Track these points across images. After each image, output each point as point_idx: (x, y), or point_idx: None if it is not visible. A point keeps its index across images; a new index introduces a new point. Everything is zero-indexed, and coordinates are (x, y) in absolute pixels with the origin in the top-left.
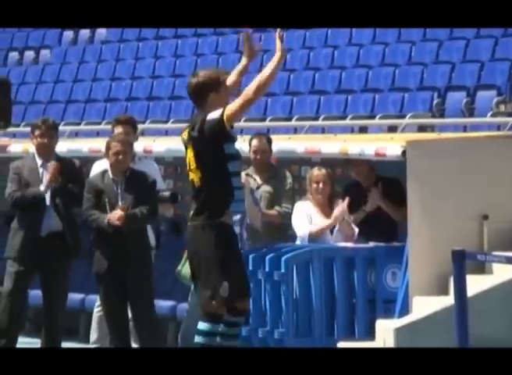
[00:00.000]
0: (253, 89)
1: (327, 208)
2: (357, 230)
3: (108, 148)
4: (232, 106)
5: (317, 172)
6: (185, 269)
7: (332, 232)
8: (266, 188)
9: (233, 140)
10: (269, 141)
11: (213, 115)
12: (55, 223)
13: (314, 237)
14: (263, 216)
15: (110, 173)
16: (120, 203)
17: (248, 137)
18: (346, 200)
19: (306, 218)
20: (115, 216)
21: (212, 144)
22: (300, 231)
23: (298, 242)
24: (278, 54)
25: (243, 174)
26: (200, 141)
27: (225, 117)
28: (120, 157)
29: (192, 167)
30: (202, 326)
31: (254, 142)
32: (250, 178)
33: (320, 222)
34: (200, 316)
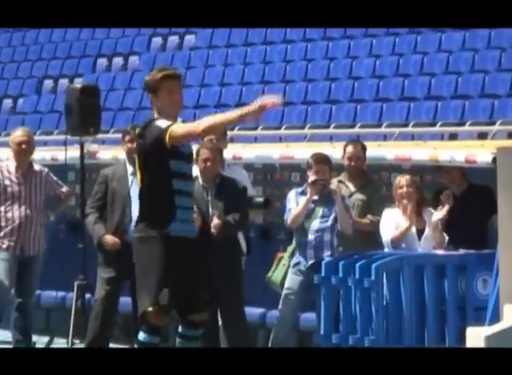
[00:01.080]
0: (204, 126)
1: (417, 215)
2: (447, 237)
3: (197, 154)
4: (179, 130)
5: (401, 179)
6: (275, 275)
7: (420, 238)
8: (359, 196)
9: (181, 157)
10: (364, 148)
11: (160, 124)
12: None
13: (395, 243)
14: (354, 224)
15: (200, 179)
16: (211, 210)
17: (338, 143)
18: (446, 207)
19: (392, 225)
20: (213, 224)
21: (153, 154)
22: (384, 238)
23: (386, 249)
24: (251, 108)
25: (334, 180)
26: (143, 144)
27: (167, 136)
28: (209, 164)
29: (137, 166)
30: (140, 335)
31: (350, 148)
32: (343, 185)
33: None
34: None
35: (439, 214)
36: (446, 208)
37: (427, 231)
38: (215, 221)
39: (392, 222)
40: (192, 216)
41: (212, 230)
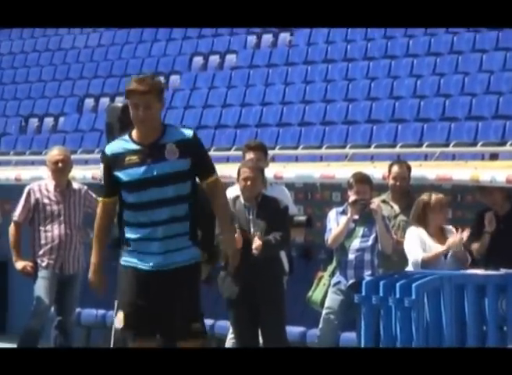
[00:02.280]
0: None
1: (440, 234)
2: (470, 257)
3: (238, 173)
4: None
5: (433, 198)
6: (315, 294)
7: (446, 257)
8: (403, 217)
9: (129, 186)
10: (409, 169)
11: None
12: None
13: (427, 264)
14: (397, 244)
15: (242, 198)
16: (252, 229)
17: (379, 163)
18: (466, 232)
19: (419, 244)
20: (254, 244)
21: None
22: (412, 257)
23: (411, 268)
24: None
25: (375, 200)
26: None
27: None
28: (249, 183)
29: None
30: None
31: (395, 169)
32: (387, 205)
33: (434, 248)
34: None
35: (462, 234)
36: (466, 232)
37: (451, 250)
38: (256, 241)
39: (419, 241)
40: (158, 246)
41: (254, 250)
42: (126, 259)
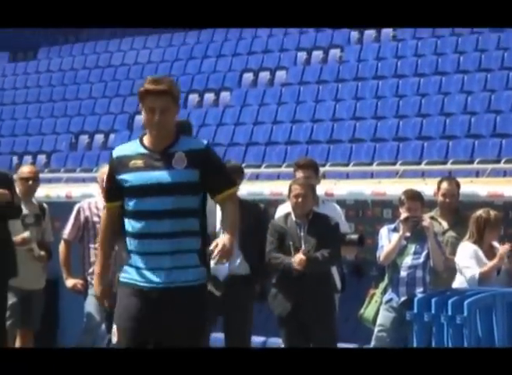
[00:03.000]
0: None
1: (491, 250)
2: None
3: (289, 190)
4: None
5: (487, 213)
6: (368, 312)
7: (498, 273)
8: (452, 234)
9: (135, 192)
10: (458, 186)
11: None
12: (239, 265)
13: (483, 279)
14: (447, 261)
15: (293, 215)
16: (303, 246)
17: (430, 180)
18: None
19: (475, 260)
20: (297, 259)
21: None
22: (469, 273)
23: (465, 284)
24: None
25: (426, 217)
26: None
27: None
28: (300, 200)
29: None
30: None
31: (445, 185)
32: (435, 221)
33: (488, 264)
34: None
35: (506, 247)
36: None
37: (504, 266)
38: (299, 257)
39: (475, 257)
40: (162, 262)
41: (297, 266)
42: (125, 275)
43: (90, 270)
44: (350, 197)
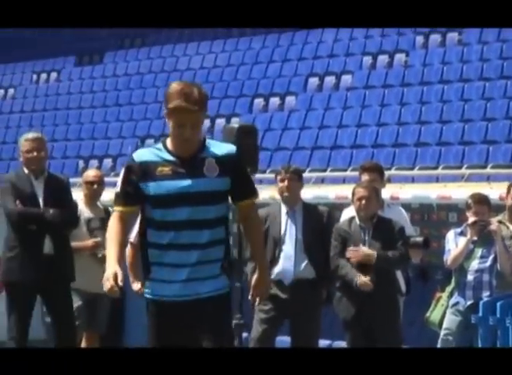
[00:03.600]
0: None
1: None
2: None
3: (353, 194)
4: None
5: None
6: (434, 315)
7: None
8: None
9: (161, 204)
10: None
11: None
12: (304, 269)
13: None
14: None
15: (357, 219)
16: None
17: (496, 184)
18: None
19: None
20: (361, 281)
21: None
22: None
23: None
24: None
25: (494, 221)
26: None
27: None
28: (363, 202)
29: None
30: None
31: None
32: (503, 225)
33: None
34: None
35: None
36: None
37: None
38: (364, 279)
39: None
40: (186, 273)
41: (360, 286)
42: (150, 291)
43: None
44: (416, 201)
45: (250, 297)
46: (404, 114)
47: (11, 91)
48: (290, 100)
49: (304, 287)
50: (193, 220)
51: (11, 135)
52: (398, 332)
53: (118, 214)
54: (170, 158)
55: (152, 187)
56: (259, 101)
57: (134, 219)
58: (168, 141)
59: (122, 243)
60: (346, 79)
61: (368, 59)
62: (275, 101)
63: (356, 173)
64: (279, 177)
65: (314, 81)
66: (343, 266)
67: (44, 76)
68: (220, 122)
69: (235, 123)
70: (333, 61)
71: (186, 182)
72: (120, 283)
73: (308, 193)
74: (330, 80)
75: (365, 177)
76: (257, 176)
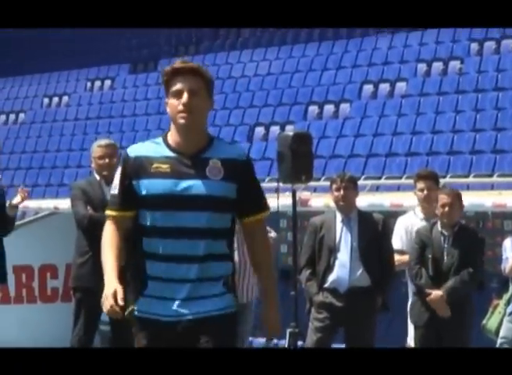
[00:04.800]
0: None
1: None
2: None
3: (427, 199)
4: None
5: None
6: (490, 323)
7: None
8: None
9: (155, 206)
10: None
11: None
12: (360, 277)
13: None
14: None
15: (439, 225)
16: (446, 257)
17: None
18: None
19: None
20: (433, 297)
21: None
22: None
23: None
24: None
25: None
26: None
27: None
28: (447, 209)
29: None
30: None
31: None
32: None
33: None
34: None
35: None
36: None
37: None
38: (437, 294)
39: None
40: (186, 291)
41: (431, 302)
42: (141, 308)
43: None
44: (471, 208)
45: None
46: (459, 121)
47: (65, 98)
48: (345, 107)
49: (359, 295)
50: (192, 228)
51: (65, 143)
52: (466, 338)
53: (113, 219)
54: (169, 154)
55: (145, 186)
56: (313, 109)
57: (130, 224)
58: (169, 135)
59: (120, 255)
60: (401, 86)
61: (422, 66)
62: (329, 108)
63: (411, 181)
64: (334, 186)
65: (368, 88)
66: (420, 274)
67: (98, 83)
68: (275, 129)
69: (289, 130)
70: (388, 68)
71: (184, 183)
72: (121, 302)
73: (363, 201)
74: (385, 87)
75: (420, 185)
76: (312, 184)
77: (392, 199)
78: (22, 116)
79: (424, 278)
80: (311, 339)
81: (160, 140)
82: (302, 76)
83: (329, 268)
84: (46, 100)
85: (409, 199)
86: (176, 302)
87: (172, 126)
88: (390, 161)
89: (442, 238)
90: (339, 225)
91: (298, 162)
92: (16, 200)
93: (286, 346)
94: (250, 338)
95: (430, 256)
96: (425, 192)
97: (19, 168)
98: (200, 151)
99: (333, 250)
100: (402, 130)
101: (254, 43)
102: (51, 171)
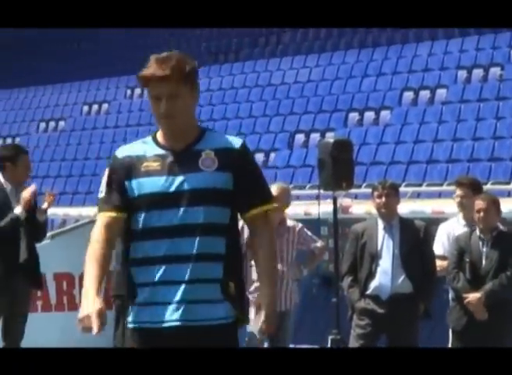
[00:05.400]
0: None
1: None
2: None
3: (472, 206)
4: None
5: None
6: None
7: None
8: None
9: (146, 206)
10: None
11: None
12: (402, 284)
13: None
14: None
15: (477, 230)
16: (484, 262)
17: None
18: None
19: None
20: (472, 298)
21: None
22: None
23: None
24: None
25: None
26: None
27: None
28: (482, 214)
29: None
30: None
31: None
32: None
33: None
34: None
35: None
36: None
37: None
38: (475, 296)
39: None
40: (179, 294)
41: (468, 304)
42: (134, 318)
43: (251, 289)
44: (511, 215)
45: (257, 332)
46: (500, 128)
47: (105, 105)
48: (385, 114)
49: (401, 301)
50: (184, 225)
51: (105, 150)
52: (505, 344)
53: (102, 222)
54: (159, 151)
55: (135, 187)
56: (354, 116)
57: (120, 226)
58: (158, 134)
59: (104, 264)
60: (441, 93)
61: (462, 73)
62: (370, 115)
63: (452, 188)
64: (375, 193)
65: (408, 95)
66: (458, 278)
67: (138, 91)
68: (315, 136)
69: (330, 137)
70: (428, 75)
71: (176, 178)
72: (97, 326)
73: (404, 208)
74: (425, 94)
75: (460, 192)
76: (353, 191)
77: (434, 206)
78: (62, 123)
79: (462, 282)
80: (352, 345)
81: (149, 139)
82: (342, 83)
83: (371, 275)
84: (86, 107)
85: (450, 206)
86: (170, 307)
87: (160, 126)
88: (431, 168)
89: (480, 243)
90: (380, 232)
91: (339, 169)
92: (44, 205)
93: None
94: (291, 345)
95: (468, 260)
96: (465, 199)
97: (60, 176)
98: (191, 145)
99: (375, 257)
100: (443, 136)
101: (294, 50)
102: (91, 178)
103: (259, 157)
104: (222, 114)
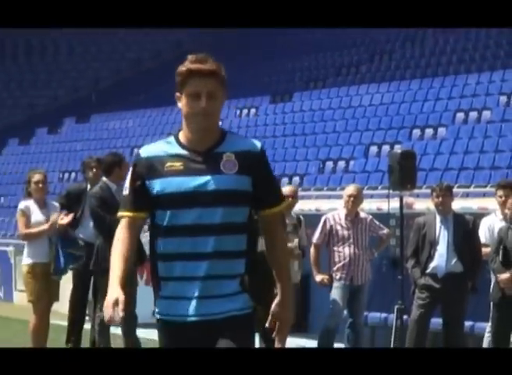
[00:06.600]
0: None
1: None
2: None
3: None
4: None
5: None
6: None
7: None
8: None
9: (169, 205)
10: None
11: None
12: (455, 264)
13: None
14: None
15: None
16: None
17: None
18: None
19: None
20: (503, 277)
21: None
22: None
23: None
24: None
25: None
26: None
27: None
28: None
29: None
30: None
31: None
32: None
33: None
34: None
35: None
36: None
37: None
38: (506, 276)
39: None
40: (197, 289)
41: (501, 284)
42: (159, 310)
43: (335, 268)
44: None
45: (267, 324)
46: None
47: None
48: (442, 131)
49: (453, 279)
50: (207, 224)
51: None
52: None
53: (126, 221)
54: (182, 152)
55: (159, 186)
56: (416, 132)
57: (142, 225)
58: (181, 134)
59: (129, 259)
60: (486, 114)
61: (503, 98)
62: (429, 131)
63: (494, 189)
64: (434, 193)
65: (460, 116)
66: (495, 260)
67: (245, 111)
68: (386, 148)
69: (398, 149)
70: (476, 99)
71: (199, 179)
72: (122, 312)
73: (457, 205)
74: (473, 114)
75: (500, 193)
76: (416, 191)
77: (480, 204)
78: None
79: (497, 263)
80: (414, 313)
81: (172, 139)
82: (408, 106)
83: (430, 257)
84: None
85: (493, 204)
86: (188, 302)
87: (185, 125)
88: (478, 173)
89: None
90: (438, 224)
91: (405, 173)
92: None
93: (394, 319)
94: (366, 313)
95: (502, 247)
96: (503, 198)
97: None
98: (213, 147)
99: (433, 243)
100: (487, 149)
101: (370, 79)
102: None
103: (341, 164)
104: (312, 130)
